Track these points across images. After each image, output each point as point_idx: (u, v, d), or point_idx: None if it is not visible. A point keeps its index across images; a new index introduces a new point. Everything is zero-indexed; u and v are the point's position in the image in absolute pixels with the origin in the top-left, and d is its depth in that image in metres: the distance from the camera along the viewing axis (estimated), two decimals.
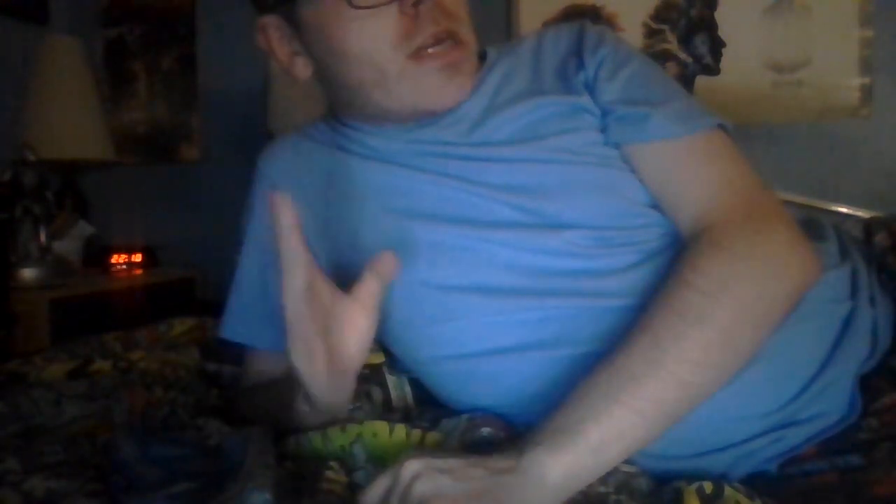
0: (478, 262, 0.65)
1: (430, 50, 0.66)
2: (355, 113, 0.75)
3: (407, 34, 0.65)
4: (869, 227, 0.90)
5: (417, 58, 0.66)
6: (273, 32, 0.72)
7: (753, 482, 0.56)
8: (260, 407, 0.73)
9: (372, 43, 0.66)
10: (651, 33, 1.68)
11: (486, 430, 0.60)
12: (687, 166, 0.65)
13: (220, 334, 0.81)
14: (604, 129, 0.69)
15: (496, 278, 0.64)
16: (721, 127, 0.68)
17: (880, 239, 0.86)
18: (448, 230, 0.67)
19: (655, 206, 0.67)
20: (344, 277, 0.73)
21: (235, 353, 0.87)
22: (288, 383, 0.63)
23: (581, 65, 0.71)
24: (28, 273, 1.64)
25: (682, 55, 1.66)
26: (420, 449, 0.59)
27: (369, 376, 0.72)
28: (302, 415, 0.62)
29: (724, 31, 1.63)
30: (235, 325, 0.80)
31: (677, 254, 0.62)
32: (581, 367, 0.56)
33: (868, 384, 0.65)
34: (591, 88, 0.70)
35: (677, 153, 0.66)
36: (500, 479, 0.48)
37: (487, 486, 0.47)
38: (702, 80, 1.65)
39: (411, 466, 0.48)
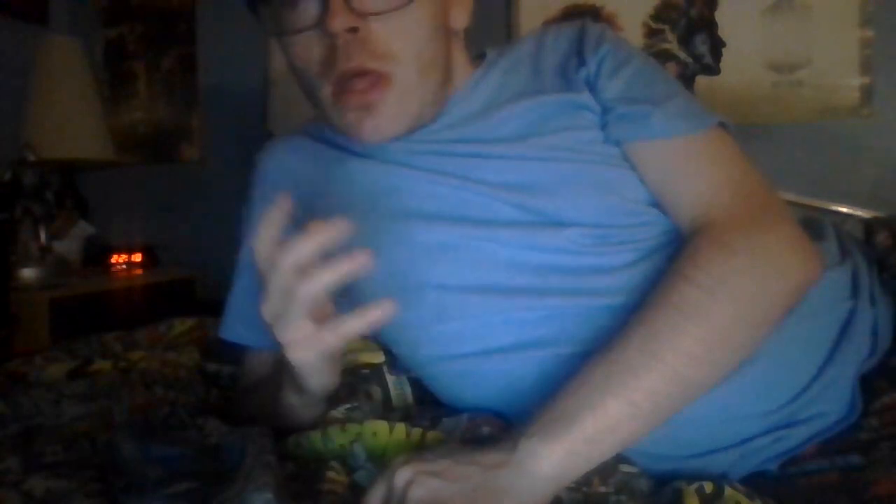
0: (477, 261, 0.65)
1: (347, 85, 0.64)
2: None
3: (325, 66, 0.64)
4: (870, 226, 0.90)
5: (336, 93, 0.65)
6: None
7: (754, 482, 0.56)
8: (256, 406, 0.73)
9: (304, 67, 0.66)
10: (651, 33, 1.69)
11: (486, 430, 0.60)
12: (688, 164, 0.65)
13: (220, 335, 0.81)
14: (604, 127, 0.69)
15: (495, 277, 0.64)
16: (722, 126, 0.68)
17: (881, 239, 0.86)
18: (447, 230, 0.66)
19: (655, 204, 0.67)
20: None
21: (235, 353, 0.87)
22: (276, 378, 0.63)
23: (582, 62, 0.71)
24: (28, 273, 1.64)
25: (682, 55, 1.66)
26: (411, 452, 0.58)
27: (369, 376, 0.72)
28: (293, 408, 0.62)
29: (724, 31, 1.63)
30: (234, 326, 0.80)
31: (676, 252, 0.62)
32: (580, 365, 0.56)
33: (868, 384, 0.65)
34: (591, 86, 0.70)
35: (679, 151, 0.66)
36: (494, 474, 0.48)
37: (482, 483, 0.47)
38: (702, 80, 1.65)
39: (403, 473, 0.48)
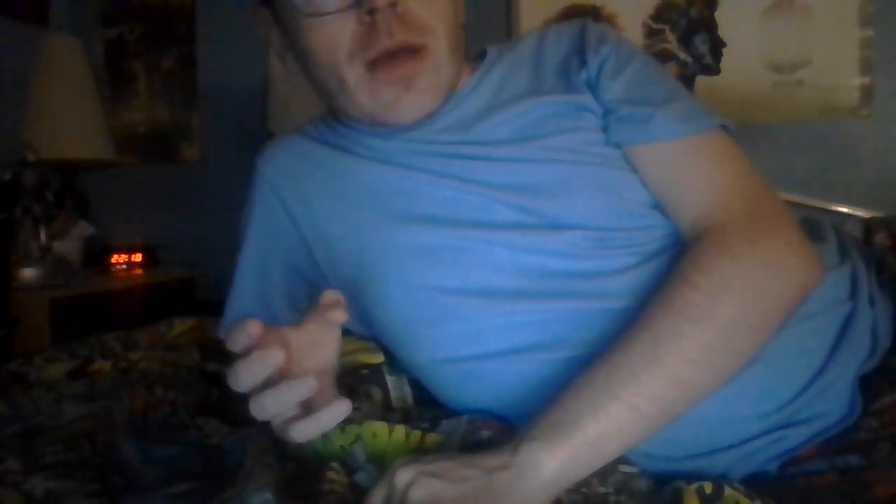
0: (477, 263, 0.65)
1: (384, 61, 0.64)
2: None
3: (362, 45, 0.64)
4: (869, 226, 0.90)
5: (372, 70, 0.65)
6: (269, 24, 0.74)
7: (753, 482, 0.56)
8: None
9: (329, 50, 0.65)
10: (651, 33, 1.68)
11: (485, 434, 0.60)
12: (689, 167, 0.65)
13: (219, 335, 0.81)
14: (605, 129, 0.69)
15: (495, 280, 0.64)
16: (724, 127, 0.68)
17: (880, 239, 0.86)
18: (447, 232, 0.66)
19: (656, 206, 0.67)
20: (341, 276, 0.73)
21: (235, 353, 0.87)
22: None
23: (583, 63, 0.71)
24: (28, 273, 1.64)
25: (682, 55, 1.66)
26: (411, 454, 0.58)
27: (369, 376, 0.72)
28: None
29: (724, 31, 1.63)
30: None
31: (678, 255, 0.62)
32: (580, 369, 0.56)
33: (868, 384, 0.65)
34: (593, 87, 0.70)
35: (680, 154, 0.66)
36: (495, 477, 0.48)
37: (482, 486, 0.47)
38: (702, 80, 1.65)
39: (403, 474, 0.48)
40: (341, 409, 0.48)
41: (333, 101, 0.71)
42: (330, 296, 0.53)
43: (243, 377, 0.47)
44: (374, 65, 0.64)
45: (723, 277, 0.56)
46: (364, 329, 0.76)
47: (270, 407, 0.47)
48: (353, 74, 0.66)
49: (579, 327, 0.61)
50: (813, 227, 0.81)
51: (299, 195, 0.77)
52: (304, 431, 0.48)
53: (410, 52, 0.64)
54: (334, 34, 0.64)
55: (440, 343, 0.66)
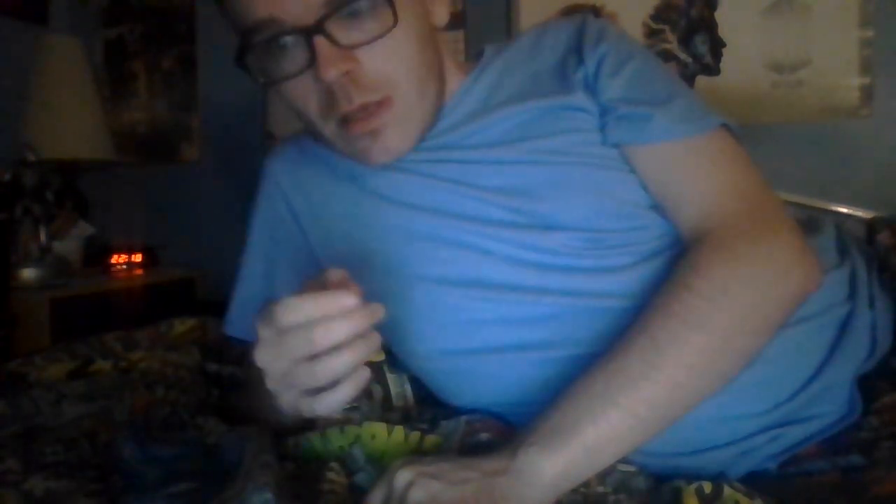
0: (476, 255, 0.65)
1: (352, 118, 0.63)
2: None
3: (327, 108, 0.63)
4: (872, 225, 0.90)
5: (343, 124, 0.63)
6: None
7: (754, 481, 0.56)
8: (251, 399, 0.73)
9: (300, 109, 0.65)
10: (651, 33, 1.68)
11: (484, 436, 0.60)
12: (689, 168, 0.64)
13: (224, 330, 0.81)
14: (603, 128, 0.68)
15: (494, 274, 0.64)
16: (725, 126, 0.67)
17: (883, 238, 0.86)
18: (446, 223, 0.66)
19: (651, 207, 0.66)
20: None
21: (236, 352, 0.87)
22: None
23: (580, 61, 0.70)
24: (28, 273, 1.64)
25: (682, 55, 1.66)
26: (410, 455, 0.58)
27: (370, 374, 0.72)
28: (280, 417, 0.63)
29: (724, 31, 1.63)
30: (239, 321, 0.80)
31: (675, 256, 0.61)
32: (579, 368, 0.56)
33: (868, 384, 0.65)
34: (590, 86, 0.69)
35: (679, 155, 0.65)
36: (494, 481, 0.48)
37: (481, 489, 0.47)
38: (702, 80, 1.65)
39: (403, 475, 0.48)
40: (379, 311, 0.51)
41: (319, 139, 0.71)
42: (334, 274, 0.52)
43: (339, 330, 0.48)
44: (344, 120, 0.63)
45: (722, 282, 0.55)
46: None
47: (349, 361, 0.49)
48: (328, 129, 0.65)
49: (580, 325, 0.61)
50: (812, 222, 0.80)
51: (304, 191, 0.77)
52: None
53: (376, 105, 0.62)
54: (300, 96, 0.63)
55: (441, 335, 0.66)
